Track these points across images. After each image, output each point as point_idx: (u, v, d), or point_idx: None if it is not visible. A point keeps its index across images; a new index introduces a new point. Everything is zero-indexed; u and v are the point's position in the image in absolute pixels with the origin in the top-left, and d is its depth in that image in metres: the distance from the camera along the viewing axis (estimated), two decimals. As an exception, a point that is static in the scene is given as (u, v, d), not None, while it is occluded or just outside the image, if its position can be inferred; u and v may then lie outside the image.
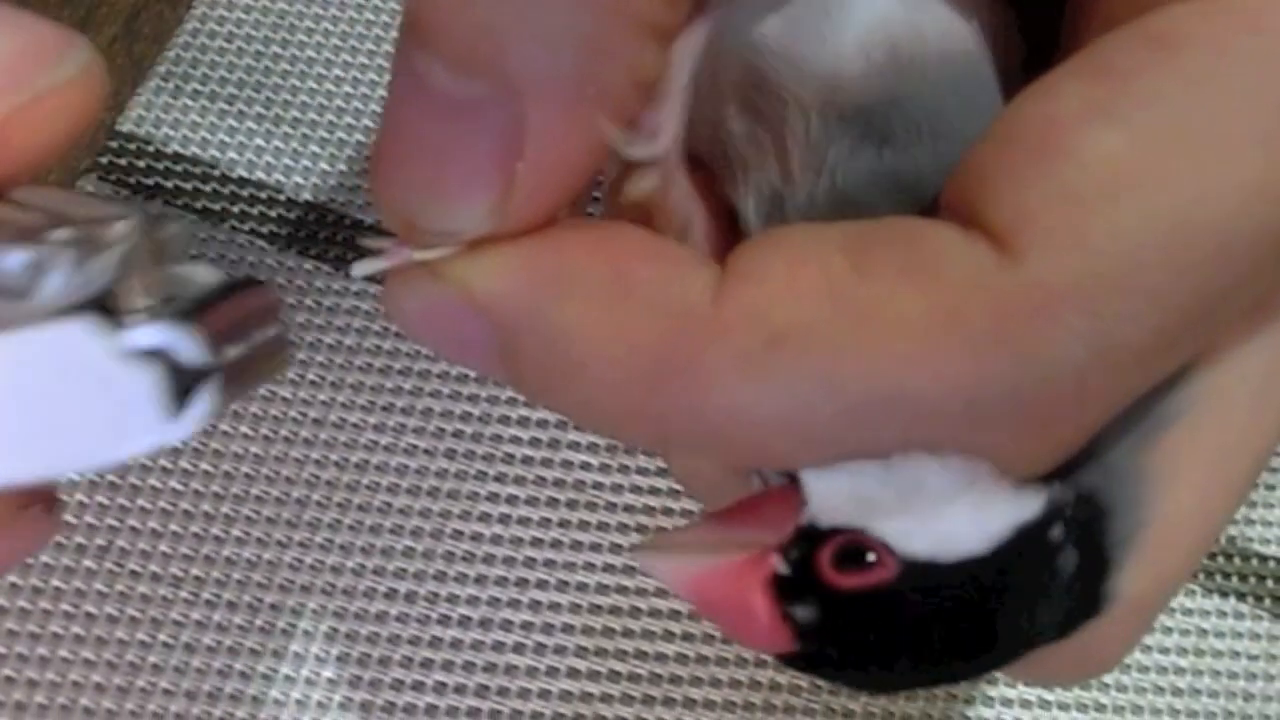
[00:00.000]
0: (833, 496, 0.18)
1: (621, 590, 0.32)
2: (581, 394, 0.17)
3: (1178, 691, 0.33)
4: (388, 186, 0.17)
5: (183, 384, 0.15)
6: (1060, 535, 0.18)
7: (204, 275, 0.16)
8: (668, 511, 0.33)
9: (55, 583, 0.30)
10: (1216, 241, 0.16)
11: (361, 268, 0.18)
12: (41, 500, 0.18)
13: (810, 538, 0.18)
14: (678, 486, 0.33)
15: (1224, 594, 0.35)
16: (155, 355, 0.15)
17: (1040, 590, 0.19)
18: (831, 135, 0.19)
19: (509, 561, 0.32)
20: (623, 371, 0.17)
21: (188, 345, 0.15)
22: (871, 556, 0.18)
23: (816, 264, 0.17)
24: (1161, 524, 0.19)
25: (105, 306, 0.15)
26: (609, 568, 0.32)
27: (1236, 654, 0.34)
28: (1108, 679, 0.33)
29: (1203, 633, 0.34)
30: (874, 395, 0.16)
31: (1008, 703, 0.33)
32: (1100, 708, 0.33)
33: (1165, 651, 0.34)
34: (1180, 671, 0.34)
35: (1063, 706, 0.33)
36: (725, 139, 0.20)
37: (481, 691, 0.31)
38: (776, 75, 0.19)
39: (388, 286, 0.18)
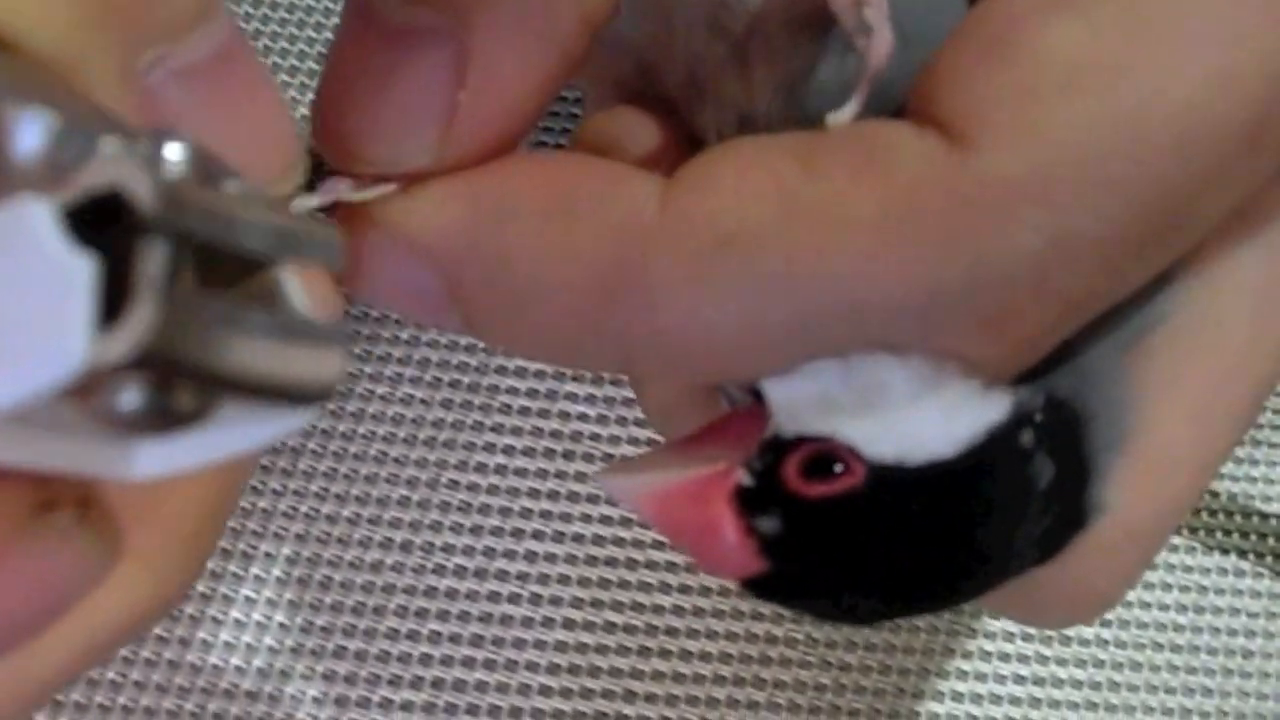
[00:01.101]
0: (795, 403, 0.18)
1: (618, 541, 0.32)
2: (534, 321, 0.17)
3: (1177, 648, 0.33)
4: (331, 119, 0.17)
5: (123, 280, 0.11)
6: (1031, 441, 0.18)
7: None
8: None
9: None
10: (1176, 132, 0.16)
11: (299, 204, 0.17)
12: (66, 500, 0.13)
13: (776, 449, 0.18)
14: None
15: (1224, 551, 0.34)
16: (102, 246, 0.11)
17: (1015, 501, 0.18)
18: (796, 47, 0.19)
19: (505, 511, 0.32)
20: (572, 290, 0.17)
21: (136, 196, 0.12)
22: (839, 466, 0.18)
23: (765, 168, 0.16)
24: (1155, 447, 0.19)
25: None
26: (605, 519, 0.32)
27: (1236, 611, 0.34)
28: (1106, 635, 0.33)
29: (1203, 590, 0.34)
30: (827, 296, 0.16)
31: (1005, 657, 0.32)
32: (1099, 663, 0.33)
33: (1165, 608, 0.34)
34: (1180, 629, 0.33)
35: (1060, 662, 0.33)
36: (696, 69, 0.20)
37: (476, 641, 0.31)
38: None
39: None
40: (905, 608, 0.20)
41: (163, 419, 0.12)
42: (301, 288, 0.13)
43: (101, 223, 0.12)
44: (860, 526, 0.18)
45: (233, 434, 0.13)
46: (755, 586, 0.19)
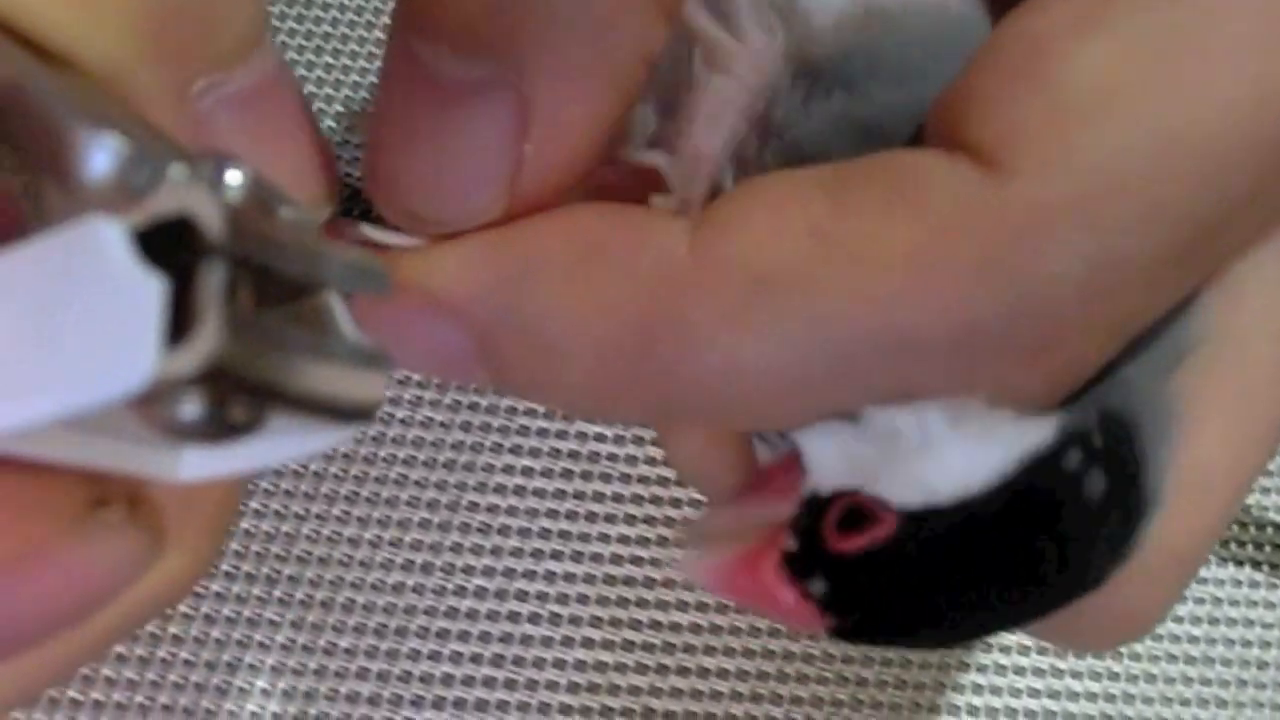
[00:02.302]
0: (826, 459, 0.18)
1: (635, 561, 0.32)
2: (568, 377, 0.17)
3: (1191, 660, 0.33)
4: (390, 179, 0.17)
5: (190, 300, 0.12)
6: (1079, 461, 0.17)
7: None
8: (681, 482, 0.33)
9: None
10: (1214, 150, 0.15)
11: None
12: (118, 498, 0.14)
13: (815, 507, 0.18)
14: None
15: (1239, 563, 0.35)
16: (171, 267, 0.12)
17: (1069, 523, 0.18)
18: (796, 87, 0.18)
19: (524, 533, 0.32)
20: (607, 344, 0.16)
21: (205, 221, 0.12)
22: (871, 518, 0.18)
23: (796, 205, 0.16)
24: (1192, 469, 0.19)
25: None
26: (622, 539, 0.33)
27: (1250, 623, 0.34)
28: (1121, 648, 0.33)
29: (1217, 601, 0.34)
30: (865, 335, 0.16)
31: (1020, 671, 0.33)
32: (1114, 676, 0.33)
33: (1179, 620, 0.34)
34: (1194, 640, 0.34)
35: (1075, 674, 0.33)
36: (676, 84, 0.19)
37: (497, 661, 0.31)
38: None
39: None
40: (979, 632, 0.19)
41: (217, 429, 0.12)
42: (349, 313, 0.14)
43: (167, 244, 0.12)
44: (898, 574, 0.18)
45: (278, 446, 0.14)
46: (838, 634, 0.19)
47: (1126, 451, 0.18)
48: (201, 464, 0.13)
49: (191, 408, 0.12)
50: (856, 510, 0.18)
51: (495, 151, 0.16)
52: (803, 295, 0.16)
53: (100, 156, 0.13)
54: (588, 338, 0.16)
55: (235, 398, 0.12)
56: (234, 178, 0.13)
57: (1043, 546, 0.18)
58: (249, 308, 0.13)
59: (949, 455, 0.17)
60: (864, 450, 0.17)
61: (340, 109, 0.37)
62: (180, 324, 0.12)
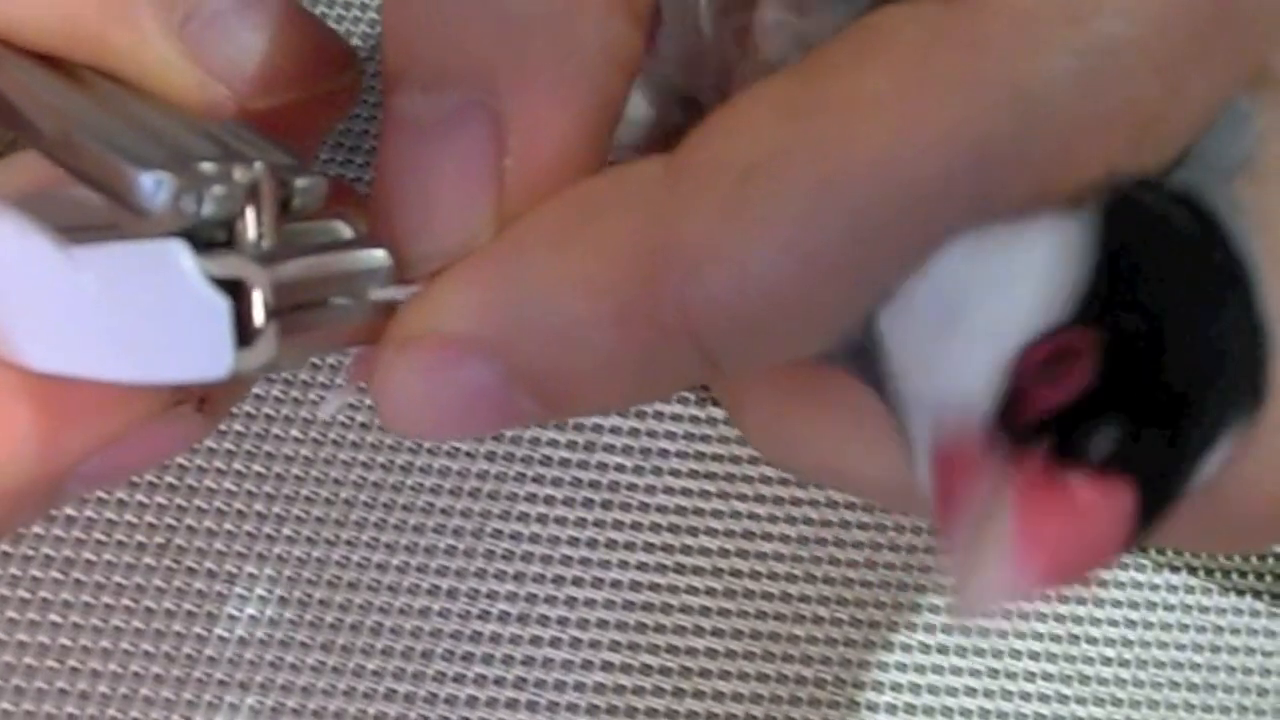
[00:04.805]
0: (925, 343, 0.16)
1: (654, 587, 0.33)
2: (603, 349, 0.16)
3: (1193, 687, 0.34)
4: (393, 231, 0.17)
5: (248, 320, 0.16)
6: (1154, 198, 0.16)
7: (323, 230, 0.18)
8: (699, 512, 0.34)
9: (117, 578, 0.32)
10: None
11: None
12: (192, 399, 0.18)
13: (1007, 404, 0.16)
14: (710, 488, 0.34)
15: (1240, 592, 0.36)
16: (229, 286, 0.16)
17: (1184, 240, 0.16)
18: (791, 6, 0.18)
19: (546, 560, 0.33)
20: (619, 288, 0.15)
21: (256, 284, 0.16)
22: (1068, 355, 0.16)
23: (763, 98, 0.15)
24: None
25: (213, 236, 0.16)
26: (641, 565, 0.34)
27: (1252, 651, 0.35)
28: (1124, 675, 0.34)
29: (1219, 630, 0.35)
30: (874, 187, 0.15)
31: (1026, 697, 0.34)
32: (1117, 702, 0.34)
33: (1182, 648, 0.35)
34: (1195, 667, 0.35)
35: (1080, 701, 0.34)
36: (723, 82, 0.19)
37: (519, 683, 0.32)
38: None
39: (372, 389, 0.17)
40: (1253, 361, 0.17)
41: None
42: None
43: (220, 249, 0.16)
44: (1156, 345, 0.16)
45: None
46: (1150, 517, 0.16)
47: (1193, 206, 0.16)
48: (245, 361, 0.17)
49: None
50: (1050, 359, 0.16)
51: (477, 172, 0.16)
52: (794, 169, 0.15)
53: (156, 189, 0.16)
54: (597, 291, 0.15)
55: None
56: (255, 172, 0.16)
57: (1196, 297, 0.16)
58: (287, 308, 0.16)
59: (1053, 252, 0.15)
60: (969, 284, 0.16)
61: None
62: (242, 323, 0.16)
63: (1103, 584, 0.34)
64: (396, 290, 0.17)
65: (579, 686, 0.32)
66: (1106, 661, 0.34)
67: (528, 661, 0.33)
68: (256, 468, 0.33)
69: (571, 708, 0.32)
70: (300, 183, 0.17)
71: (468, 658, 0.32)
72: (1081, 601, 0.34)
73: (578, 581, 0.33)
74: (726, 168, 0.15)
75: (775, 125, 0.15)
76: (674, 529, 0.34)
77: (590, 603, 0.33)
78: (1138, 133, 0.15)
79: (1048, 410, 0.16)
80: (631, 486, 0.34)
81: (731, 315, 0.15)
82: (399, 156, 0.17)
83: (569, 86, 0.16)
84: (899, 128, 0.14)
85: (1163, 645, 0.35)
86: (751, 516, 0.34)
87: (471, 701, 0.32)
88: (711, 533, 0.34)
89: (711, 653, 0.33)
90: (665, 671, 0.33)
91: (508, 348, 0.16)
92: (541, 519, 0.34)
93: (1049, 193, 0.15)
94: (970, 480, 0.16)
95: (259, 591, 0.32)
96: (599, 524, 0.34)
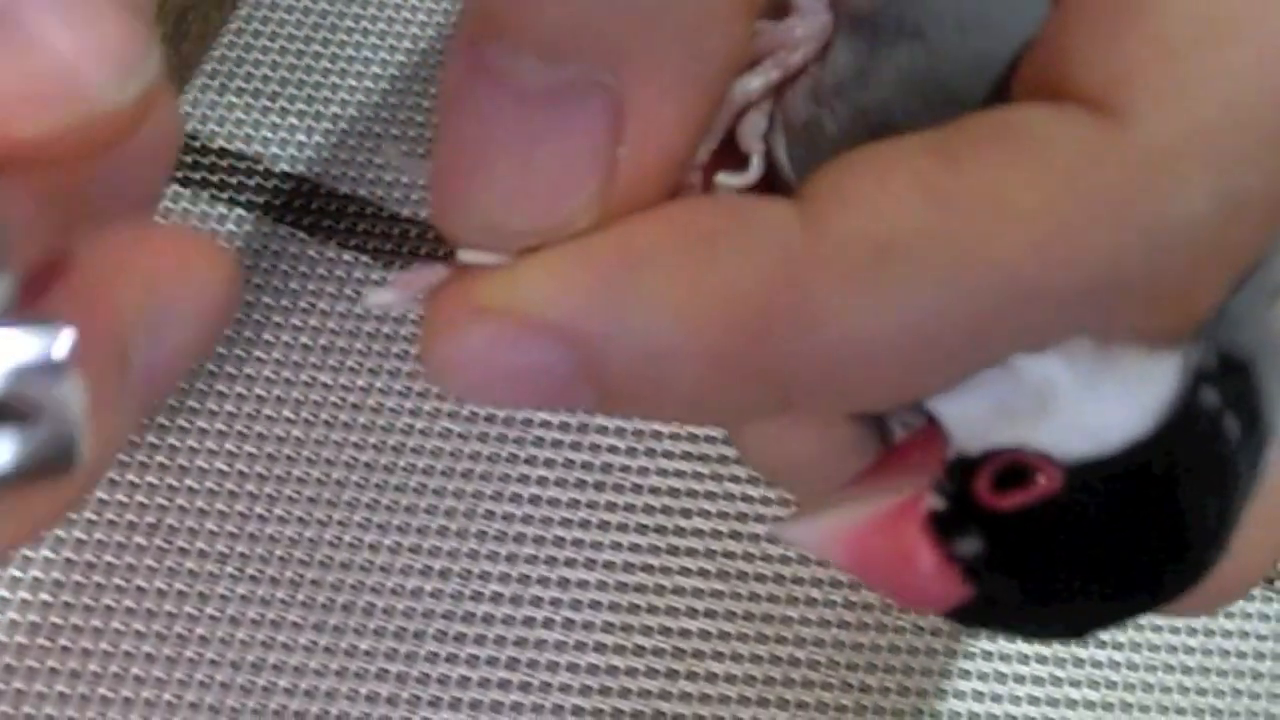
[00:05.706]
0: (973, 419, 0.17)
1: (646, 568, 0.33)
2: (683, 376, 0.16)
3: (1188, 670, 0.34)
4: (468, 195, 0.16)
5: None
6: (1216, 399, 0.17)
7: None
8: (692, 494, 0.34)
9: (108, 558, 0.32)
10: None
11: (379, 296, 0.17)
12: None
13: (962, 468, 0.17)
14: (702, 470, 0.34)
15: (1234, 576, 0.35)
16: None
17: (1218, 467, 0.17)
18: (856, 39, 0.18)
19: (539, 540, 0.33)
20: (726, 332, 0.15)
21: None
22: (1034, 474, 0.17)
23: (906, 169, 0.16)
24: None
25: None
26: (634, 546, 0.34)
27: (1246, 634, 0.35)
28: (1118, 657, 0.34)
29: (1212, 613, 0.35)
30: (998, 290, 0.15)
31: (1020, 679, 0.34)
32: (1111, 685, 0.34)
33: (1176, 631, 0.35)
34: (1190, 651, 0.35)
35: (1074, 683, 0.34)
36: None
37: (512, 664, 0.32)
38: None
39: (427, 334, 0.16)
40: (1122, 610, 0.18)
41: None
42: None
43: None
44: (1068, 529, 0.17)
45: None
46: (959, 615, 0.18)
47: (1246, 388, 0.17)
48: None
49: None
50: (1014, 468, 0.17)
51: (589, 155, 0.16)
52: (930, 256, 0.15)
53: None
54: (705, 328, 0.16)
55: None
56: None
57: (1202, 492, 0.17)
58: None
59: (1111, 397, 0.17)
60: (1018, 403, 0.17)
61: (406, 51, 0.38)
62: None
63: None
64: (486, 255, 0.16)
65: (571, 667, 0.32)
66: (1101, 644, 0.34)
67: (519, 642, 0.32)
68: (248, 448, 0.33)
69: (564, 688, 0.32)
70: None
71: (459, 638, 0.32)
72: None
73: (569, 563, 0.33)
74: (864, 239, 0.15)
75: (914, 207, 0.15)
76: (666, 510, 0.34)
77: (582, 584, 0.33)
78: (1237, 268, 0.16)
79: (1014, 506, 0.17)
80: (624, 468, 0.34)
81: (835, 376, 0.16)
82: (495, 118, 0.16)
83: (691, 87, 0.16)
84: (1041, 244, 0.15)
85: (1156, 628, 0.35)
86: (744, 498, 0.34)
87: (463, 682, 0.32)
88: (703, 514, 0.34)
89: (704, 634, 0.33)
90: (657, 652, 0.33)
91: (593, 349, 0.16)
92: (533, 500, 0.34)
93: (1154, 325, 0.16)
94: (909, 457, 0.18)
95: (250, 572, 0.32)
96: (591, 505, 0.34)
